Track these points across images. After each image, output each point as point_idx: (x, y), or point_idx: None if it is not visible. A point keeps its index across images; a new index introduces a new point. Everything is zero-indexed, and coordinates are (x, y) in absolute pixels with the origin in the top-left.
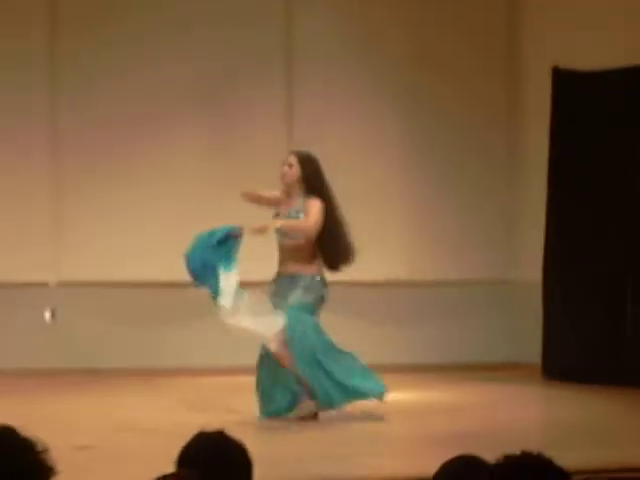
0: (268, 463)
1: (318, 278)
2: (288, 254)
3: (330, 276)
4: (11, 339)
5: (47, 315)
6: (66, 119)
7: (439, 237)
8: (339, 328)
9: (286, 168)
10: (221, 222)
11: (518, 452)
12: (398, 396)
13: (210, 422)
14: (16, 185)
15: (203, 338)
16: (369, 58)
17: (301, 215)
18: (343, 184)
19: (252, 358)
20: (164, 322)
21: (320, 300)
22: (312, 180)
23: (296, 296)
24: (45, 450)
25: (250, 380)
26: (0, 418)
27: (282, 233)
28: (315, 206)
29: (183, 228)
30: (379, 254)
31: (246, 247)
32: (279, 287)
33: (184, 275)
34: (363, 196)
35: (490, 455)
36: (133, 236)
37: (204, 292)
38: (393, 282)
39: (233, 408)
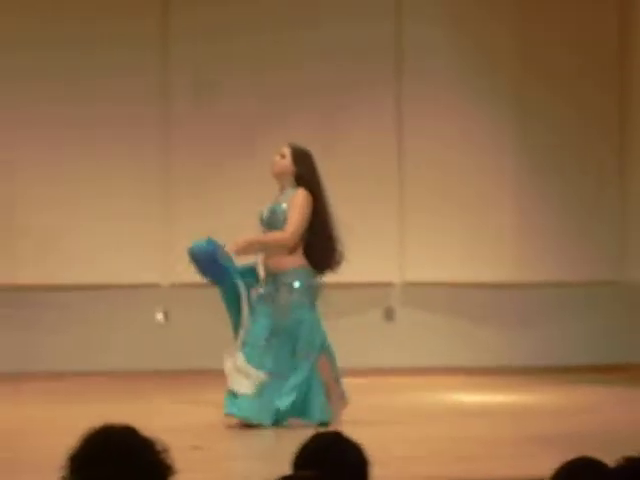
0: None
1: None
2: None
3: (435, 276)
4: (123, 340)
5: (159, 316)
6: (178, 131)
7: (547, 239)
8: (442, 329)
9: (277, 157)
10: None
11: (636, 454)
12: (504, 398)
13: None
14: (128, 185)
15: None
16: (479, 68)
17: (284, 205)
18: (455, 188)
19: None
20: None
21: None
22: (304, 176)
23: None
24: (165, 450)
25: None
26: (117, 418)
27: (266, 224)
28: (299, 197)
29: None
30: (487, 256)
31: None
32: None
33: None
34: (473, 200)
35: (602, 457)
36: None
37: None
38: (500, 284)
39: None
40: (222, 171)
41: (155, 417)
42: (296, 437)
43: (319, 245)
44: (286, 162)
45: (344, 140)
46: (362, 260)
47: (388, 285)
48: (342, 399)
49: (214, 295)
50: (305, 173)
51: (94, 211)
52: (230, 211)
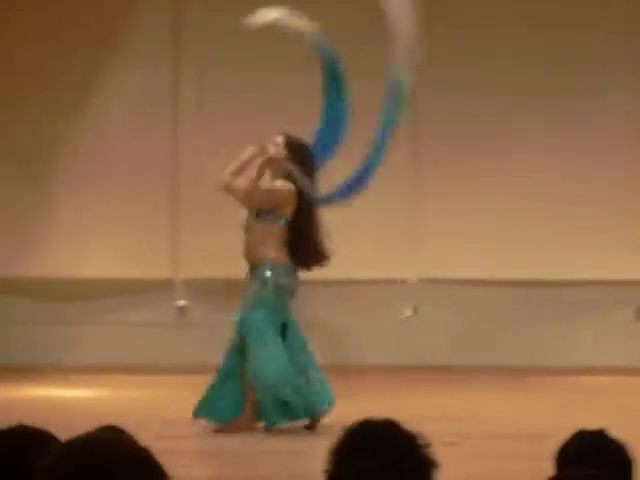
0: None
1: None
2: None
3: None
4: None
5: (408, 312)
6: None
7: None
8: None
9: (270, 145)
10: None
11: None
12: None
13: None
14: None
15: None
16: None
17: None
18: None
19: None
20: (523, 321)
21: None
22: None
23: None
24: (427, 444)
25: None
26: (371, 412)
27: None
28: (280, 183)
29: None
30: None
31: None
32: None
33: (547, 273)
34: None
35: None
36: (491, 236)
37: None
38: None
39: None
40: (466, 174)
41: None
42: None
43: (303, 241)
44: (277, 150)
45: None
46: (612, 257)
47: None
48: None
49: (462, 290)
50: (298, 163)
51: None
52: (475, 209)
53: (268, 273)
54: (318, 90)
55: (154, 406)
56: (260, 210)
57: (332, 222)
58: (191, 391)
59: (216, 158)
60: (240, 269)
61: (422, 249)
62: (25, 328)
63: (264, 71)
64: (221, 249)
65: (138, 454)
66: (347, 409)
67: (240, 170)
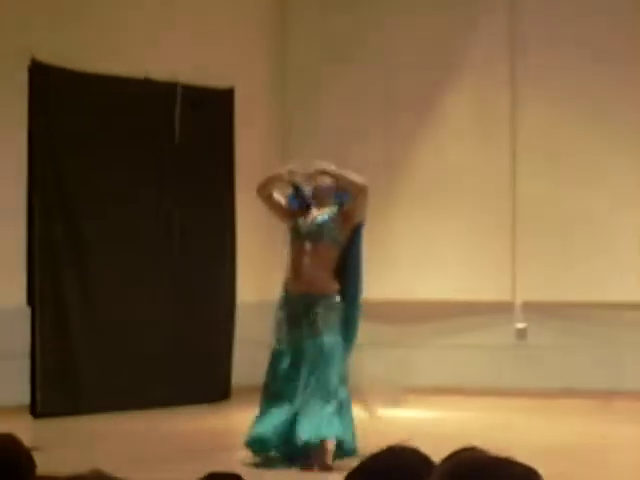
0: None
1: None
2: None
3: None
4: None
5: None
6: None
7: None
8: None
9: (325, 178)
10: None
11: None
12: None
13: None
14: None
15: None
16: None
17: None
18: None
19: None
20: None
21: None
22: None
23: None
24: None
25: None
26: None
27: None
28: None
29: None
30: None
31: None
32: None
33: None
34: None
35: None
36: None
37: None
38: None
39: None
40: None
41: None
42: None
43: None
44: (332, 181)
45: None
46: None
47: None
48: None
49: None
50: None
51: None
52: None
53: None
54: None
55: (491, 427)
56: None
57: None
58: (528, 414)
59: (552, 183)
60: (572, 292)
61: None
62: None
63: None
64: (561, 272)
65: None
66: None
67: (266, 184)
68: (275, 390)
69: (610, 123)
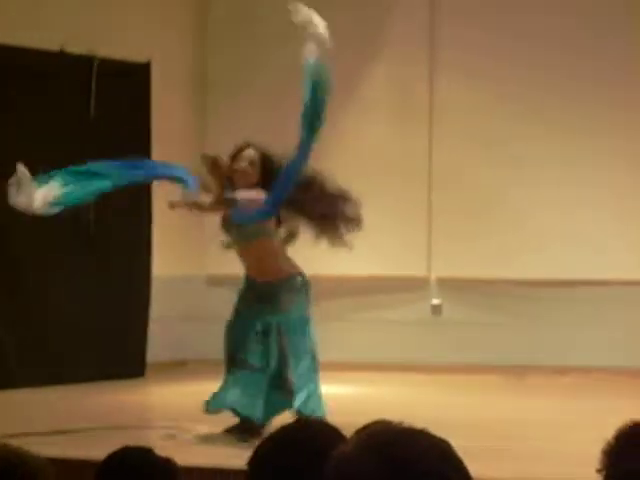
0: None
1: None
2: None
3: None
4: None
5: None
6: None
7: None
8: None
9: (245, 165)
10: None
11: None
12: None
13: None
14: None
15: None
16: None
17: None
18: None
19: None
20: None
21: None
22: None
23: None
24: None
25: None
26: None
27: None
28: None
29: None
30: None
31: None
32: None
33: None
34: None
35: None
36: None
37: None
38: None
39: None
40: None
41: None
42: None
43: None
44: (255, 171)
45: None
46: None
47: None
48: None
49: None
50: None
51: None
52: None
53: None
54: None
55: (407, 403)
56: None
57: None
58: (445, 390)
59: (468, 162)
60: (493, 270)
61: None
62: None
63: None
64: (475, 249)
65: None
66: None
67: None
68: (242, 359)
69: (525, 103)
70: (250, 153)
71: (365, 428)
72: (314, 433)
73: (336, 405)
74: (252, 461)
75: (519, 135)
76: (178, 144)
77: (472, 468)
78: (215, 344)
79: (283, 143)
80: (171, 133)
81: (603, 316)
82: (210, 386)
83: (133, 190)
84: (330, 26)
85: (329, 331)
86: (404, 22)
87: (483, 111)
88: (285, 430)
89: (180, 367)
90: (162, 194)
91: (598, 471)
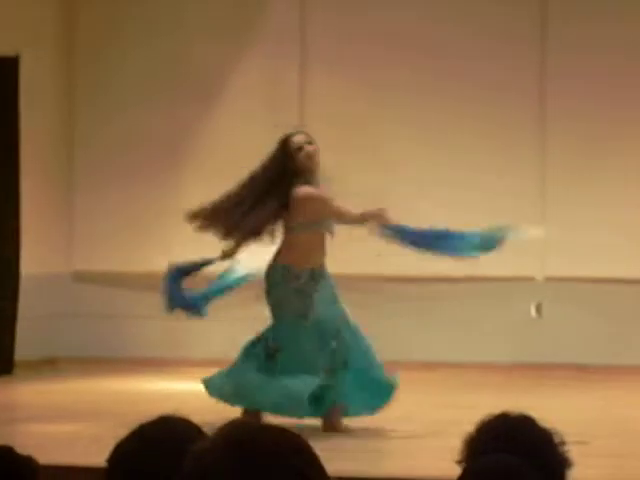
0: None
1: None
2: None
3: None
4: (499, 333)
5: (533, 310)
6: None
7: None
8: None
9: (313, 146)
10: None
11: None
12: None
13: None
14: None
15: None
16: None
17: None
18: None
19: None
20: None
21: None
22: None
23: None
24: (562, 442)
25: None
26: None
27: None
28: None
29: None
30: None
31: None
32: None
33: None
34: None
35: None
36: (616, 232)
37: None
38: None
39: None
40: (602, 158)
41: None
42: None
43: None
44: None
45: None
46: None
47: None
48: None
49: (589, 290)
50: None
51: (470, 204)
52: (609, 203)
53: None
54: None
55: None
56: None
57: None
58: None
59: (341, 159)
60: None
61: None
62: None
63: None
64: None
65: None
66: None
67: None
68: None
69: (398, 94)
70: (302, 136)
71: (227, 425)
72: (174, 430)
73: (191, 402)
74: (111, 459)
75: (390, 123)
76: (47, 138)
77: None
78: (84, 341)
79: (150, 137)
80: (39, 129)
81: None
82: (79, 385)
83: None
84: (203, 16)
85: (185, 329)
86: (276, 15)
87: (355, 106)
88: (145, 427)
89: (49, 365)
90: (31, 201)
91: (458, 462)
